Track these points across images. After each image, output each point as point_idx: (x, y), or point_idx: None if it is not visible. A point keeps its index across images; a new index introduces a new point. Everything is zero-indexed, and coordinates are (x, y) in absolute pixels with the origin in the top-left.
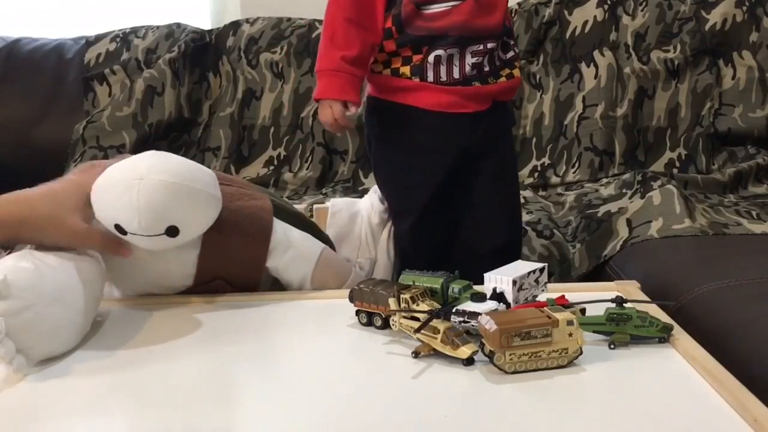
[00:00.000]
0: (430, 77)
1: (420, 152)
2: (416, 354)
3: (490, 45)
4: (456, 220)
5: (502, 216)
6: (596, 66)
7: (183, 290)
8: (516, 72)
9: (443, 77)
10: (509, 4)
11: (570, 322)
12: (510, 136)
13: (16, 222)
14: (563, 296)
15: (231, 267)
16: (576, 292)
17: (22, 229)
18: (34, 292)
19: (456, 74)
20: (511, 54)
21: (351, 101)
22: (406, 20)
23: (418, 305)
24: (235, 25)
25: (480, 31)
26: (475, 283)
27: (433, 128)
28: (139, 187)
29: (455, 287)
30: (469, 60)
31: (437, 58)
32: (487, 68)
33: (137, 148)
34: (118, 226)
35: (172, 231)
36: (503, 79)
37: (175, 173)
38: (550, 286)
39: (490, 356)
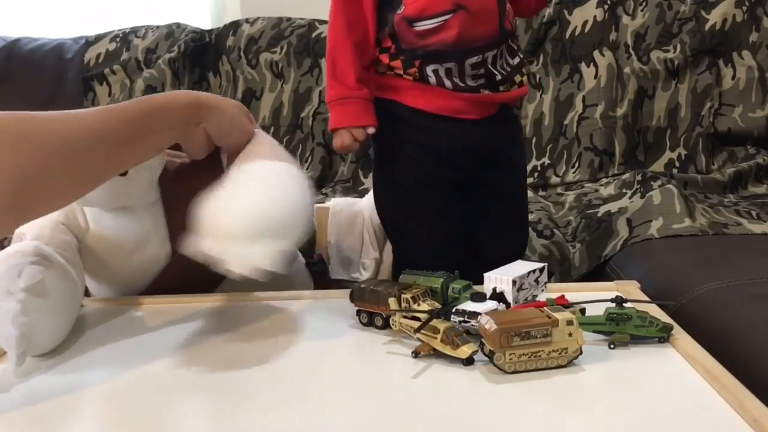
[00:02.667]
0: (433, 83)
1: (424, 152)
2: (416, 354)
3: (488, 54)
4: (471, 230)
5: (513, 226)
6: (596, 66)
7: (169, 263)
8: (525, 79)
9: (448, 85)
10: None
11: (570, 322)
12: (521, 146)
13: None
14: (563, 296)
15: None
16: (576, 292)
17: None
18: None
19: (461, 83)
20: (517, 60)
21: (368, 125)
22: (400, 37)
23: (418, 305)
24: (235, 25)
25: (475, 41)
26: (475, 283)
27: (437, 131)
28: None
29: (455, 287)
30: (469, 71)
31: (435, 71)
32: (499, 77)
33: None
34: None
35: None
36: (515, 87)
37: None
38: (550, 286)
39: (490, 356)
